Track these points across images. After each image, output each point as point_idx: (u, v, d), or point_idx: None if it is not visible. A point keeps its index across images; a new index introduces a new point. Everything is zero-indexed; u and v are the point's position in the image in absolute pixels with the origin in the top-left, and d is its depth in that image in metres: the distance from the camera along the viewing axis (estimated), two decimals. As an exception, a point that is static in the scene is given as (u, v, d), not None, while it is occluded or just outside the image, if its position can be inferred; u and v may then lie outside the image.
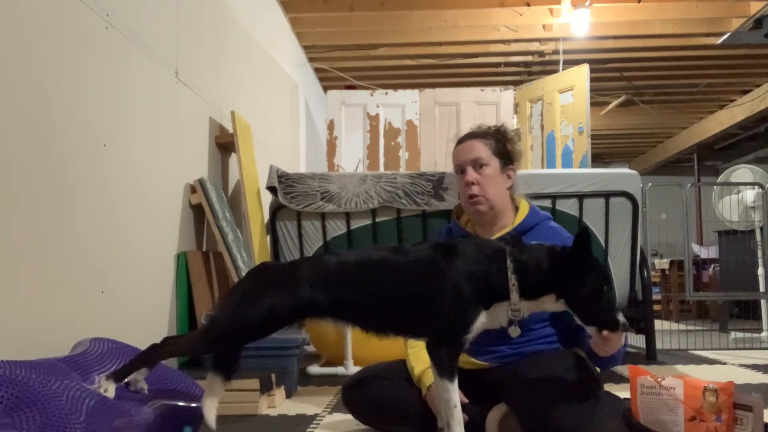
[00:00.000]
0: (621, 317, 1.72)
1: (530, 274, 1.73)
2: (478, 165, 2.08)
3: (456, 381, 1.73)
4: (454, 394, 1.72)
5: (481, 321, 1.74)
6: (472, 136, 2.14)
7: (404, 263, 1.77)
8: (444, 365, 1.73)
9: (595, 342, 1.79)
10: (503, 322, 1.78)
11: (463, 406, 1.94)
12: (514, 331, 1.80)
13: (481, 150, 2.09)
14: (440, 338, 1.74)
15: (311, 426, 2.34)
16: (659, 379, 1.82)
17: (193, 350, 1.82)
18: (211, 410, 1.73)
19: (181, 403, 1.92)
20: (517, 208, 2.15)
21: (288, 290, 1.74)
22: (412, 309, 1.76)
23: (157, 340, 1.81)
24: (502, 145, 2.11)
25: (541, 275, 1.73)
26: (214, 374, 1.76)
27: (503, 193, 2.10)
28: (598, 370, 2.03)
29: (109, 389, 1.72)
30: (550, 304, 1.76)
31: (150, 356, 1.78)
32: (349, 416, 2.22)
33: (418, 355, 2.06)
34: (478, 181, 2.07)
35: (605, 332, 1.72)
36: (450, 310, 1.71)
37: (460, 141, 2.16)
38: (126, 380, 1.83)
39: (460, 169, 2.12)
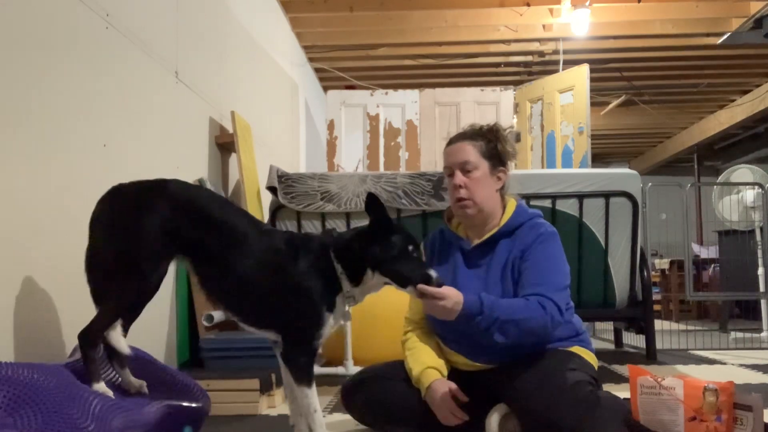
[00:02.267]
0: (433, 273, 1.78)
1: (349, 258, 1.82)
2: (465, 168, 2.05)
3: (314, 386, 1.79)
4: (314, 399, 1.79)
5: (330, 323, 1.81)
6: (461, 137, 2.10)
7: (258, 244, 1.81)
8: (302, 373, 1.79)
9: (424, 305, 1.84)
10: (346, 317, 1.86)
11: (463, 406, 1.95)
12: (346, 316, 1.87)
13: (470, 153, 2.05)
14: (294, 346, 1.79)
15: (311, 426, 2.34)
16: (659, 379, 1.82)
17: (117, 316, 1.79)
18: (118, 340, 1.77)
19: (181, 403, 1.92)
20: (505, 208, 2.12)
21: (154, 208, 1.76)
22: (253, 295, 1.80)
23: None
24: (493, 146, 2.07)
25: (356, 256, 1.82)
26: None
27: (492, 196, 2.06)
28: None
29: (105, 389, 1.73)
30: (372, 281, 1.83)
31: (89, 341, 1.74)
32: (349, 416, 2.22)
33: (416, 356, 2.06)
34: (465, 184, 2.04)
35: (420, 287, 1.77)
36: (301, 317, 1.78)
37: (450, 142, 2.12)
38: (122, 385, 1.84)
39: (449, 172, 2.10)
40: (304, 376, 1.78)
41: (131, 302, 1.80)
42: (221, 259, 1.78)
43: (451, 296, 1.81)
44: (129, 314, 1.82)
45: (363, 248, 1.82)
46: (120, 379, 1.87)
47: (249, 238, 1.81)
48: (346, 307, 1.83)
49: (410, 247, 1.82)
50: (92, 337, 1.75)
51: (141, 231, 1.74)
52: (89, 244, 1.79)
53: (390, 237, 1.81)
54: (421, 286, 1.78)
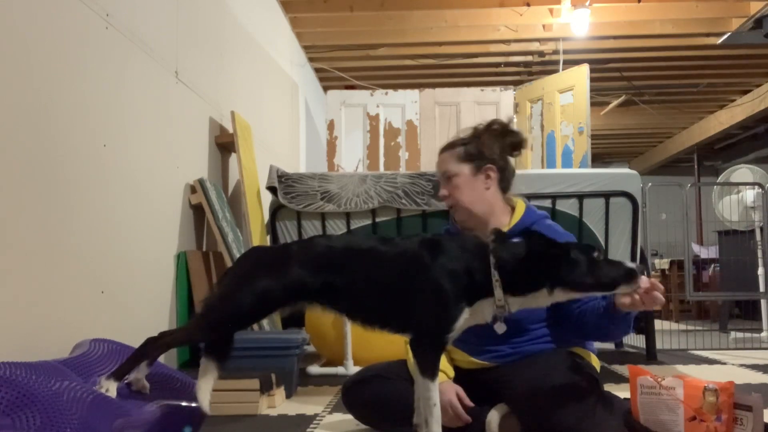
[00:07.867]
0: (628, 263, 1.70)
1: (516, 270, 1.72)
2: (446, 178, 2.09)
3: (437, 380, 1.74)
4: (435, 393, 1.73)
5: (464, 318, 1.73)
6: (443, 148, 2.14)
7: (392, 255, 1.78)
8: (427, 364, 1.73)
9: (642, 299, 1.73)
10: (488, 317, 1.77)
11: (468, 410, 1.95)
12: (500, 327, 1.79)
13: (448, 162, 2.09)
14: (423, 336, 1.74)
15: (311, 426, 2.34)
16: (659, 379, 1.82)
17: (190, 339, 1.81)
18: (205, 394, 1.74)
19: (181, 403, 1.92)
20: (513, 209, 2.14)
21: (279, 272, 1.75)
22: (396, 302, 1.76)
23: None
24: (473, 146, 2.08)
25: (528, 272, 1.72)
26: (208, 359, 1.76)
27: (482, 196, 2.06)
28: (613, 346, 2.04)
29: (111, 389, 1.72)
30: (544, 298, 1.74)
31: (148, 350, 1.78)
32: (349, 416, 2.23)
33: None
34: (449, 192, 2.08)
35: (647, 280, 1.69)
36: (432, 308, 1.72)
37: (439, 154, 2.16)
38: (128, 380, 1.84)
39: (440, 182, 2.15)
40: (429, 369, 1.73)
41: (199, 338, 1.80)
42: (355, 288, 1.77)
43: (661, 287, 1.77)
44: (215, 355, 1.78)
45: (542, 269, 1.71)
46: (132, 375, 1.86)
47: (376, 250, 1.79)
48: (493, 313, 1.75)
49: (595, 254, 1.73)
50: (155, 346, 1.77)
51: (254, 292, 1.73)
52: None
53: (570, 255, 1.71)
54: (645, 278, 1.71)
